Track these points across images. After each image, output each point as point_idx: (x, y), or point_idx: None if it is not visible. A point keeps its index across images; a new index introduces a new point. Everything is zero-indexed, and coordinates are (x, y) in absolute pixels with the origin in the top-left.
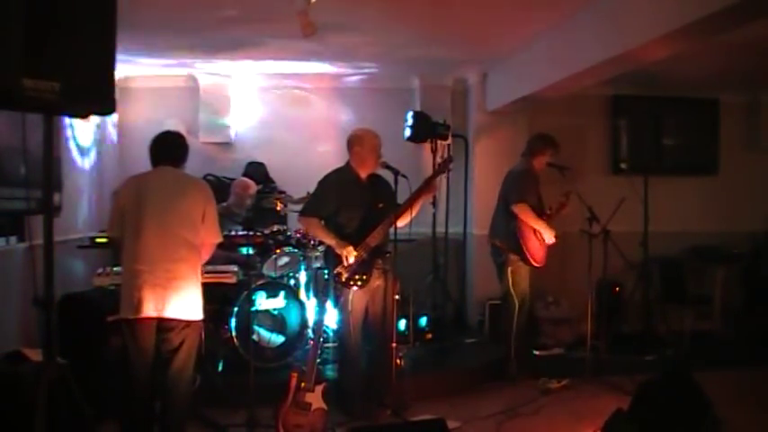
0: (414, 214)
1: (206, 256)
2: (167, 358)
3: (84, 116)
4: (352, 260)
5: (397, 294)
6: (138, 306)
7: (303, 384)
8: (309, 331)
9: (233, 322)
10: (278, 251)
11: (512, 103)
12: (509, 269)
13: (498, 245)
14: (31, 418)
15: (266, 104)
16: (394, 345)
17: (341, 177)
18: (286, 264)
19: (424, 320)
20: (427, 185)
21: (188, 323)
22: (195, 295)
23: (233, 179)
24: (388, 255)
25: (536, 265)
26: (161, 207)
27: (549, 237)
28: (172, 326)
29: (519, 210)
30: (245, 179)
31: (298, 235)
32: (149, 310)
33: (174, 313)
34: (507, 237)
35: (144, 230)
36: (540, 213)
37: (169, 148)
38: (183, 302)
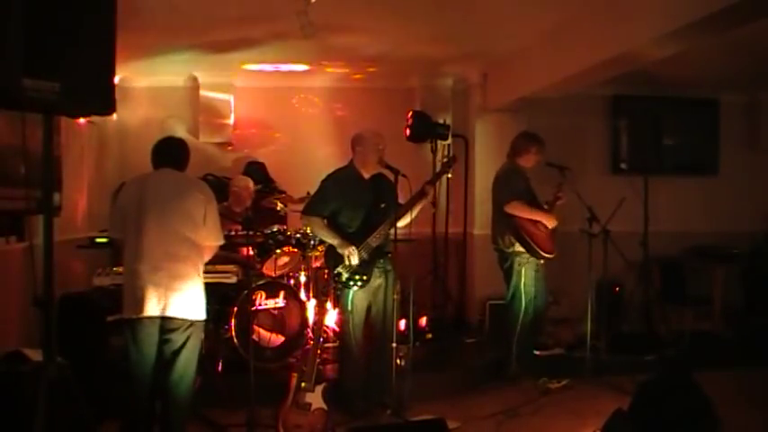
0: (413, 216)
1: (207, 258)
2: (170, 359)
3: (84, 116)
4: (355, 261)
5: (397, 294)
6: (141, 305)
7: (303, 384)
8: (309, 331)
9: (233, 322)
10: (278, 251)
11: (512, 102)
12: (515, 268)
13: (503, 248)
14: (31, 418)
15: (266, 104)
16: (394, 345)
17: (343, 176)
18: (286, 264)
19: (424, 320)
20: (429, 186)
21: (192, 323)
22: (198, 295)
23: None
24: (389, 255)
25: (546, 255)
26: (162, 206)
27: (550, 222)
28: (176, 325)
29: (512, 208)
30: (243, 177)
31: (298, 235)
32: (152, 309)
33: (179, 312)
34: (510, 236)
35: (146, 230)
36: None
37: (171, 151)
38: (187, 302)
